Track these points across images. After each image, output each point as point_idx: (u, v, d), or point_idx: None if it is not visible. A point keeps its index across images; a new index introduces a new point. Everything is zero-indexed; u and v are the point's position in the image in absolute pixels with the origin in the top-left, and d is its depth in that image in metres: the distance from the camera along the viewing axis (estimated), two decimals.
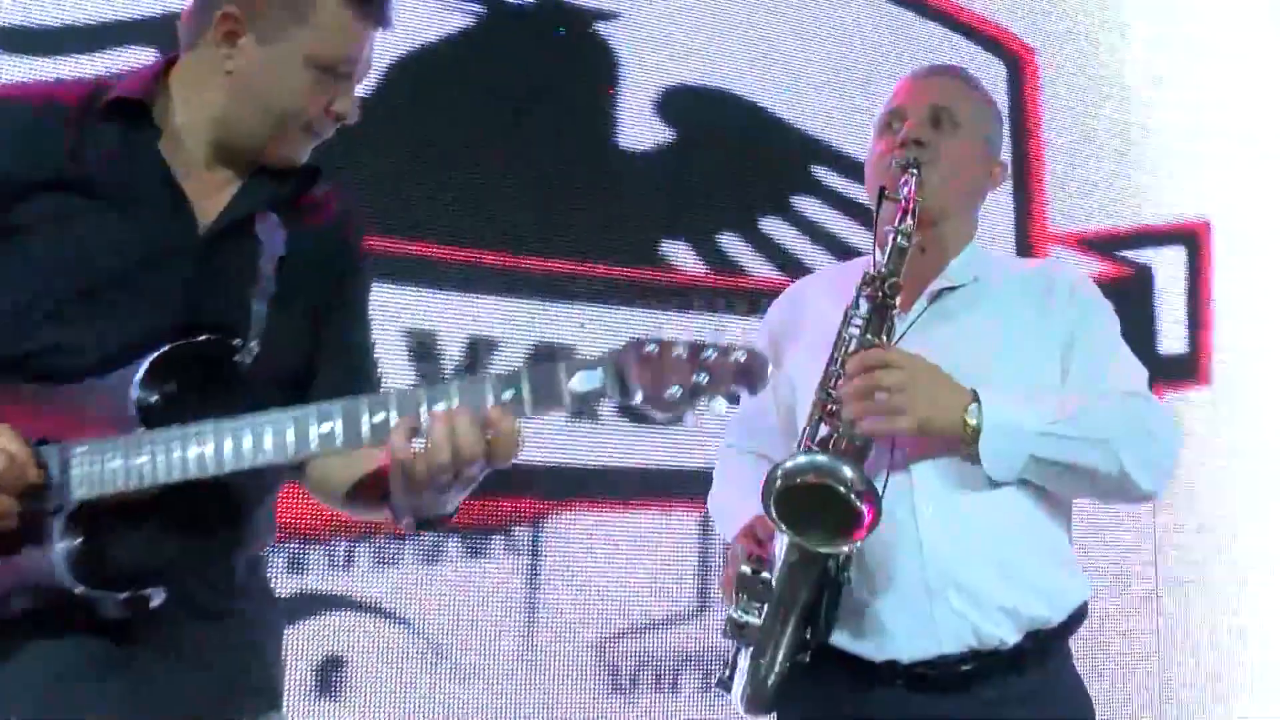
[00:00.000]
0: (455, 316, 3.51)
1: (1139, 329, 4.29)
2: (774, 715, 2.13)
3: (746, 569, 2.03)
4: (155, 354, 1.66)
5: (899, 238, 2.07)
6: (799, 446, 2.05)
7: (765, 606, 2.00)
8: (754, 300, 3.81)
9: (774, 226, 3.96)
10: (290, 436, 1.62)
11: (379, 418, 1.62)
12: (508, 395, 1.61)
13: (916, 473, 2.07)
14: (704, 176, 3.88)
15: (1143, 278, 4.53)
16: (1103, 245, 4.48)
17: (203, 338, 1.71)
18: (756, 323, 3.69)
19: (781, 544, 2.01)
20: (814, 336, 2.21)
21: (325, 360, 1.90)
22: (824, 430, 2.04)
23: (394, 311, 3.39)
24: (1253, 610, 4.42)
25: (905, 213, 2.08)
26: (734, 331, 3.74)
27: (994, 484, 2.04)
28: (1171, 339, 4.53)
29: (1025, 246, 4.33)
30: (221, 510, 1.76)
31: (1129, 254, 4.53)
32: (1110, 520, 4.20)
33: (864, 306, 2.07)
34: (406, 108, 3.45)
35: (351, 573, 3.33)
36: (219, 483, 1.65)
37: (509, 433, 1.60)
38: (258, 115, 1.81)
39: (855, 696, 2.08)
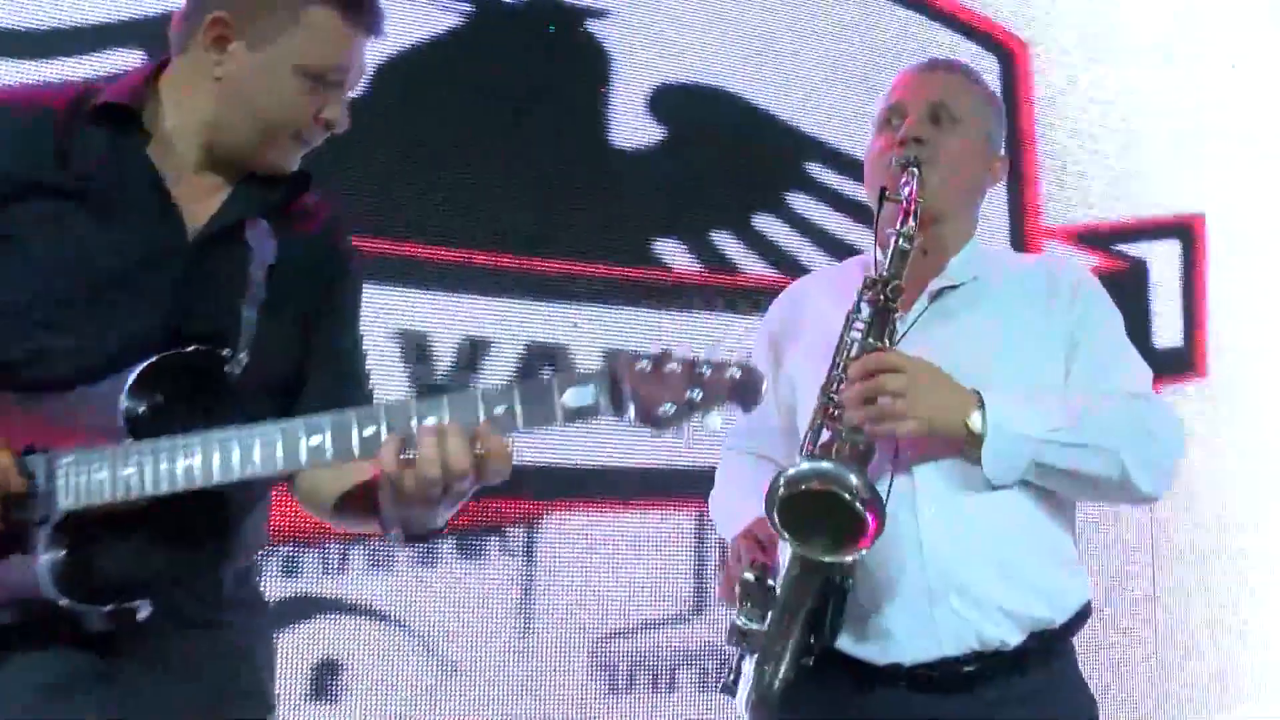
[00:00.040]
0: (447, 317, 3.50)
1: (1134, 323, 4.21)
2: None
3: (750, 575, 2.03)
4: (144, 364, 1.65)
5: (900, 240, 2.06)
6: (801, 451, 2.03)
7: (769, 613, 2.00)
8: (749, 298, 3.80)
9: (768, 224, 3.94)
10: (279, 449, 1.61)
11: (369, 431, 1.60)
12: (499, 410, 1.60)
13: (919, 474, 2.06)
14: (697, 174, 3.87)
15: (1137, 271, 4.53)
16: (1097, 239, 4.48)
17: (191, 348, 1.69)
18: (751, 321, 3.72)
19: (785, 550, 2.01)
20: (814, 336, 2.20)
21: (315, 367, 1.89)
22: (826, 434, 2.03)
23: (385, 313, 3.37)
24: (1253, 609, 4.42)
25: (907, 214, 2.07)
26: (729, 329, 3.77)
27: (996, 485, 2.03)
28: (1166, 332, 4.53)
29: (1020, 241, 4.33)
30: (209, 521, 1.75)
31: (1124, 247, 4.52)
32: (1110, 519, 4.20)
33: (865, 310, 2.06)
34: (397, 108, 3.43)
35: (345, 576, 3.32)
36: (207, 493, 1.63)
37: (499, 448, 1.59)
38: (247, 121, 1.80)
39: (858, 699, 2.07)
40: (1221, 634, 4.39)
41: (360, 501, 1.79)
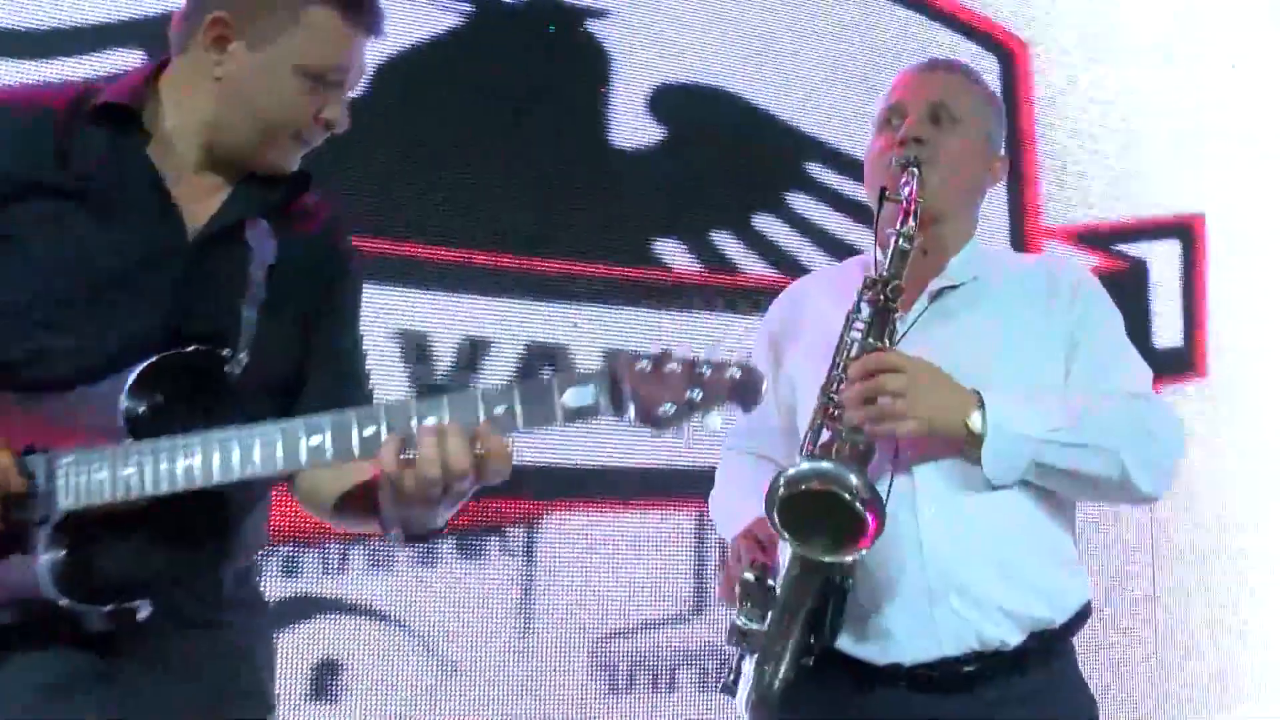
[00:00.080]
0: (446, 317, 3.50)
1: (1134, 323, 4.20)
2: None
3: (750, 575, 2.03)
4: (143, 364, 1.65)
5: (901, 240, 2.06)
6: (801, 451, 2.03)
7: (769, 613, 2.00)
8: (748, 298, 3.80)
9: (768, 224, 3.94)
10: (279, 449, 1.61)
11: (369, 431, 1.60)
12: (499, 410, 1.59)
13: (919, 474, 2.06)
14: (697, 174, 3.86)
15: (1137, 271, 4.52)
16: (1097, 239, 4.47)
17: (192, 348, 1.69)
18: (751, 321, 3.72)
19: (785, 550, 2.01)
20: (814, 336, 2.20)
21: (315, 367, 1.88)
22: (826, 434, 2.02)
23: (385, 313, 3.37)
24: (1253, 609, 4.42)
25: (907, 214, 2.07)
26: (728, 329, 3.77)
27: (996, 485, 2.03)
28: (1166, 332, 4.52)
29: (1020, 241, 4.33)
30: (210, 521, 1.74)
31: (1124, 247, 4.52)
32: (1109, 520, 4.20)
33: (866, 310, 2.06)
34: (397, 108, 3.43)
35: (346, 576, 3.31)
36: (207, 493, 1.63)
37: (499, 449, 1.58)
38: (247, 121, 1.79)
39: (858, 699, 2.07)
40: (1221, 634, 4.39)
41: (360, 501, 1.79)
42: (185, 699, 1.72)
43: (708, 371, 1.60)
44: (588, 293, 3.66)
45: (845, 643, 2.05)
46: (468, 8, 3.62)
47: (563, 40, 3.75)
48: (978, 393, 2.00)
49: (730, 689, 2.07)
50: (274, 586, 3.16)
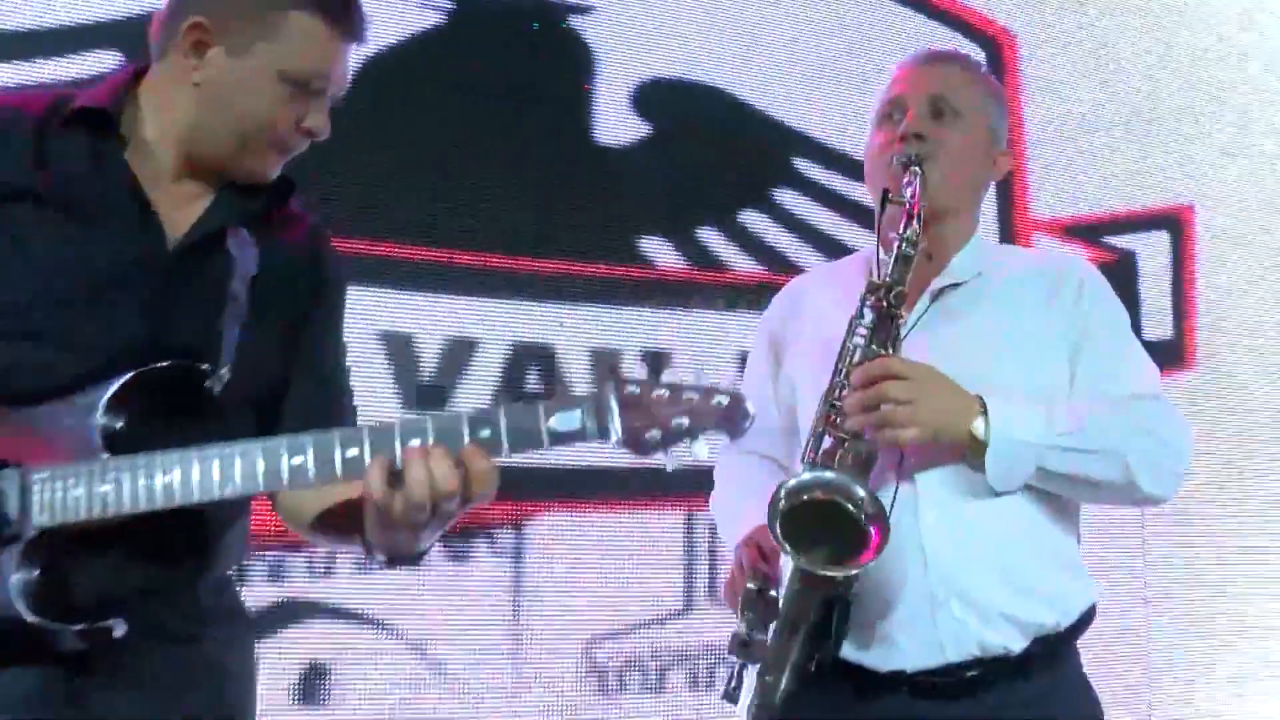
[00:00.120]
0: (431, 318, 3.48)
1: None
2: None
3: (752, 586, 2.00)
4: (121, 379, 1.61)
5: (904, 245, 2.03)
6: (803, 459, 2.02)
7: (772, 624, 1.98)
8: (736, 295, 3.78)
9: (755, 220, 3.92)
10: (260, 468, 1.58)
11: (351, 452, 1.57)
12: (484, 434, 1.57)
13: (921, 480, 2.04)
14: (682, 171, 3.85)
15: (1126, 263, 4.51)
16: (1086, 231, 4.46)
17: (171, 363, 1.65)
18: (739, 318, 3.71)
19: (787, 560, 1.98)
20: (814, 335, 2.19)
21: (297, 375, 1.86)
22: (828, 441, 2.01)
23: (368, 314, 3.35)
24: (1252, 608, 4.40)
25: (910, 218, 2.04)
26: (715, 326, 3.75)
27: (1000, 491, 2.02)
28: (1156, 324, 4.51)
29: (1008, 233, 4.32)
30: (188, 539, 1.71)
31: (1113, 239, 4.51)
32: (1104, 517, 4.18)
33: (869, 316, 2.04)
34: (378, 107, 3.41)
35: (332, 579, 3.30)
36: (186, 510, 1.59)
37: (485, 471, 1.56)
38: (226, 128, 1.77)
39: (861, 706, 2.06)
40: (1221, 634, 4.37)
41: (342, 519, 1.76)
42: (161, 718, 1.69)
43: (695, 398, 1.58)
44: (572, 292, 3.64)
45: (848, 650, 2.03)
46: (449, 6, 3.60)
47: (545, 37, 3.73)
48: (980, 398, 1.98)
49: (733, 697, 2.06)
50: (260, 591, 3.15)
